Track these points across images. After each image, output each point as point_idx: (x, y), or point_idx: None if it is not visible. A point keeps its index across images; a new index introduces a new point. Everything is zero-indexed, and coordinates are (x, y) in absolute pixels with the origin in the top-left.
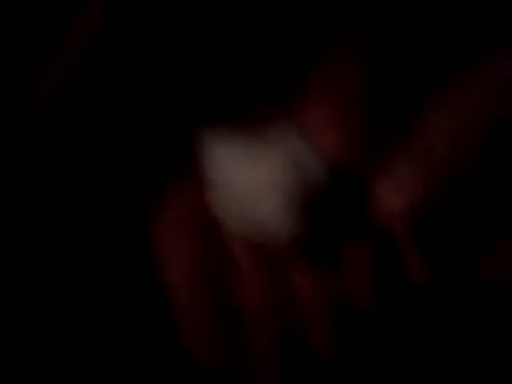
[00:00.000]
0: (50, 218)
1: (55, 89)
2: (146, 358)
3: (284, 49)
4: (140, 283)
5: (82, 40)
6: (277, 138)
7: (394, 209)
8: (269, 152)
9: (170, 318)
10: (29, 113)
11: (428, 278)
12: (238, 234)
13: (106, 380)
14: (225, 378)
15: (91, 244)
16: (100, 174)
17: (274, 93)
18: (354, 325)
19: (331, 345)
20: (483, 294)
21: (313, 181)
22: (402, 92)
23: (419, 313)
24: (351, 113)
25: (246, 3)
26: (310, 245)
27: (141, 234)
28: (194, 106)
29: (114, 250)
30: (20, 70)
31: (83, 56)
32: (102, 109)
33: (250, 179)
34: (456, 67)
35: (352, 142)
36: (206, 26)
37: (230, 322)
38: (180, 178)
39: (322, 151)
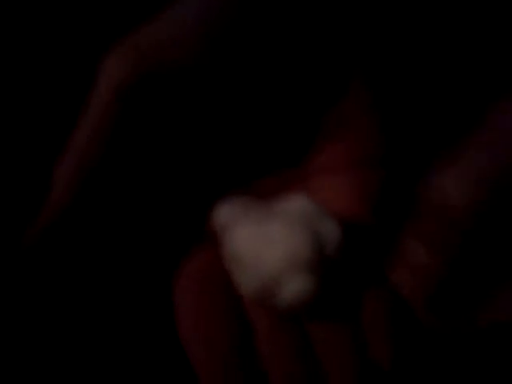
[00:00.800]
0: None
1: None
2: None
3: (289, 115)
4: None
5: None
6: (288, 204)
7: (405, 280)
8: (281, 217)
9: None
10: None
11: (436, 325)
12: (252, 294)
13: None
14: None
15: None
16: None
17: (280, 158)
18: (373, 378)
19: None
20: (486, 338)
21: (328, 241)
22: (413, 149)
23: (429, 358)
24: (363, 170)
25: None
26: (327, 301)
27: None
28: (209, 177)
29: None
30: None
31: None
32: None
33: (264, 244)
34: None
35: (365, 198)
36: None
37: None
38: (200, 244)
39: (334, 209)
